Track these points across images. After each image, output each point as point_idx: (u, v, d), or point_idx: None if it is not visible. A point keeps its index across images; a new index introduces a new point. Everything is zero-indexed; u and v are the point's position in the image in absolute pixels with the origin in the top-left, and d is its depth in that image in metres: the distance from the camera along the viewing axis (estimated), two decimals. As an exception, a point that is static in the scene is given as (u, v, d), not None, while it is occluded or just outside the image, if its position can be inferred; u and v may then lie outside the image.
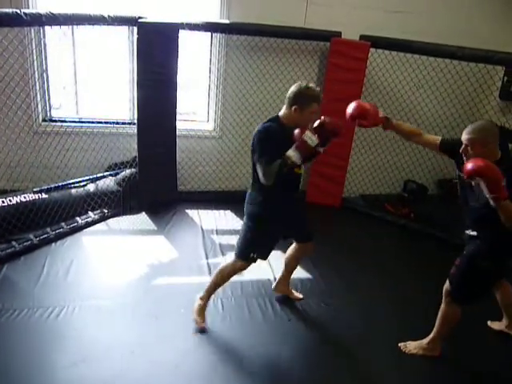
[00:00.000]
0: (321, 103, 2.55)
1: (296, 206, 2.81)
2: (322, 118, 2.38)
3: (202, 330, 2.75)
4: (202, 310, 2.82)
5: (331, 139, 2.40)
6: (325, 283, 3.42)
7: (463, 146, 2.34)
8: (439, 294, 2.63)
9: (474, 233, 2.50)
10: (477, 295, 2.56)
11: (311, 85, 2.49)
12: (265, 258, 2.78)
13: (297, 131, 2.40)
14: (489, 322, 3.10)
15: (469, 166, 2.20)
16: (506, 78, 4.65)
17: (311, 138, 2.34)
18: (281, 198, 2.59)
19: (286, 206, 2.66)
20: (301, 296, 3.20)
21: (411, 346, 2.76)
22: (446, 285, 2.60)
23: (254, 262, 2.73)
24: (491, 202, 2.18)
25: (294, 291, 3.22)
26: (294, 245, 3.03)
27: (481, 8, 4.72)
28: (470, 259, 2.49)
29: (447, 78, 4.59)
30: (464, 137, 2.33)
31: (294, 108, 2.47)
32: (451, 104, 4.71)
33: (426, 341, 2.73)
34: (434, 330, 2.69)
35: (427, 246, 4.14)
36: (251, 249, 2.69)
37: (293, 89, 2.50)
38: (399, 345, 2.79)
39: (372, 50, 4.39)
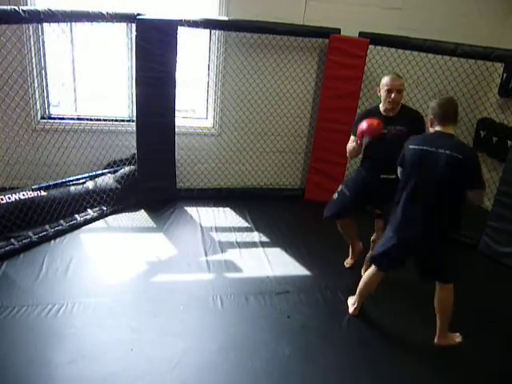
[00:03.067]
0: None
1: None
2: None
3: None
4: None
5: None
6: (324, 280, 3.42)
7: (394, 91, 2.93)
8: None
9: (393, 176, 2.87)
10: None
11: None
12: None
13: None
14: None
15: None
16: (505, 75, 4.64)
17: None
18: None
19: None
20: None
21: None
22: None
23: None
24: None
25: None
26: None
27: (478, 4, 4.71)
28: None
29: (446, 75, 4.59)
30: (396, 83, 2.95)
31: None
32: (450, 101, 4.69)
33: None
34: None
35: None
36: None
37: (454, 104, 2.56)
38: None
39: (371, 46, 4.39)
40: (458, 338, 2.83)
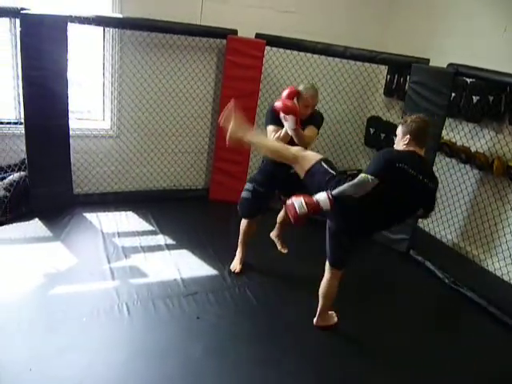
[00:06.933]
0: None
1: None
2: None
3: None
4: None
5: None
6: (232, 278, 3.46)
7: (310, 107, 3.11)
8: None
9: None
10: None
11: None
12: None
13: None
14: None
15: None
16: (388, 77, 5.03)
17: None
18: None
19: None
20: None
21: None
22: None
23: None
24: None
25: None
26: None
27: (365, 12, 5.04)
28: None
29: (337, 76, 4.87)
30: (313, 100, 3.12)
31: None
32: (342, 100, 5.00)
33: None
34: None
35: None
36: None
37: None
38: None
39: (268, 48, 4.50)
40: (334, 317, 3.05)
